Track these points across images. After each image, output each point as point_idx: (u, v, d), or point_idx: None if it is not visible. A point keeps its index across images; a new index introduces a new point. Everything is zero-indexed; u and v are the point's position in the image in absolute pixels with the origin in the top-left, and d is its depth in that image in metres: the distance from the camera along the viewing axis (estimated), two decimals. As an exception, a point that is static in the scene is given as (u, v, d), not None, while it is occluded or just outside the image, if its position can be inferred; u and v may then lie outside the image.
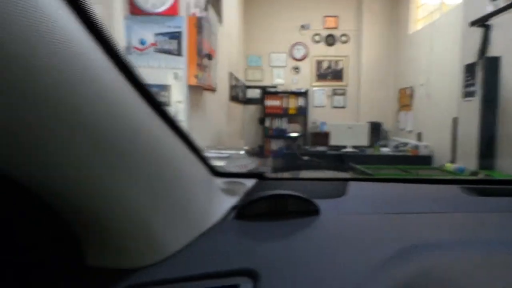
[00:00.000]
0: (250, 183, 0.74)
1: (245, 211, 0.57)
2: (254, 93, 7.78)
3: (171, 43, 2.84)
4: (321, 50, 7.81)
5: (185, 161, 0.51)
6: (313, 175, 1.04)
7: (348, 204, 0.65)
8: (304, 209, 0.58)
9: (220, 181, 0.67)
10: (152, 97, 0.41)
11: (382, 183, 0.79)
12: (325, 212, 0.58)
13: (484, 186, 0.76)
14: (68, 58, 0.29)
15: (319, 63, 7.84)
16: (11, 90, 0.26)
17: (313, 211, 0.58)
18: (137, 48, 2.79)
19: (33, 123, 0.28)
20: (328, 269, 0.42)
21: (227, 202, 0.61)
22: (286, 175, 0.99)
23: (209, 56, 3.31)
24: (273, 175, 0.85)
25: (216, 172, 0.67)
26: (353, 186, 0.73)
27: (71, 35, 0.30)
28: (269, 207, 0.57)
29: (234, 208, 0.60)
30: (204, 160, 0.59)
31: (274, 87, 7.72)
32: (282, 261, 0.44)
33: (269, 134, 7.51)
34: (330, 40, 7.79)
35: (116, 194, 0.37)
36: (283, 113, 7.46)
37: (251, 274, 0.41)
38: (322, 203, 0.60)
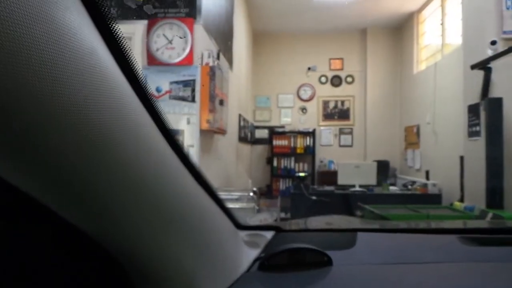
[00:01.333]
0: (269, 235, 0.82)
1: (267, 263, 0.65)
2: (262, 133, 7.93)
3: (185, 90, 3.00)
4: (327, 91, 8.02)
5: (217, 216, 0.58)
6: (325, 223, 1.11)
7: (358, 255, 0.72)
8: (319, 261, 0.65)
9: (243, 234, 0.75)
10: (184, 154, 0.46)
11: (388, 234, 0.87)
12: (337, 263, 0.66)
13: (480, 235, 0.83)
14: (131, 131, 0.33)
15: (325, 103, 8.03)
16: (91, 162, 0.29)
17: (327, 262, 0.66)
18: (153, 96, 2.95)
19: (106, 189, 0.33)
20: None
21: (251, 254, 0.68)
22: (300, 225, 1.07)
23: (221, 102, 3.46)
24: (290, 227, 0.93)
25: (238, 225, 0.75)
26: (362, 237, 0.81)
27: (130, 105, 0.33)
28: (288, 259, 0.65)
29: (256, 259, 0.68)
30: (228, 214, 0.67)
31: (282, 127, 7.87)
32: None
33: (277, 174, 7.57)
34: (336, 81, 8.02)
35: (165, 246, 0.44)
36: (290, 152, 7.55)
37: None
38: (334, 255, 0.67)
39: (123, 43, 0.32)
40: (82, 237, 0.40)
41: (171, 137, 0.42)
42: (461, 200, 4.52)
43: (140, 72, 0.36)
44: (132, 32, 2.86)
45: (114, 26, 0.31)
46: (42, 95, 0.23)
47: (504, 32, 3.67)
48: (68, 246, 0.44)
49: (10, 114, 0.23)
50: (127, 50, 0.33)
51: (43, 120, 0.24)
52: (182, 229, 0.45)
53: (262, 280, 0.60)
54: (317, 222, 1.09)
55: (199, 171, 0.51)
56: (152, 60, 2.88)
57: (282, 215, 5.16)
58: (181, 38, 2.87)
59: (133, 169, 0.34)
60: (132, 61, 0.34)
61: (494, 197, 3.61)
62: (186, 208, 0.46)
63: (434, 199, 5.19)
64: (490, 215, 3.46)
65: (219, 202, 0.60)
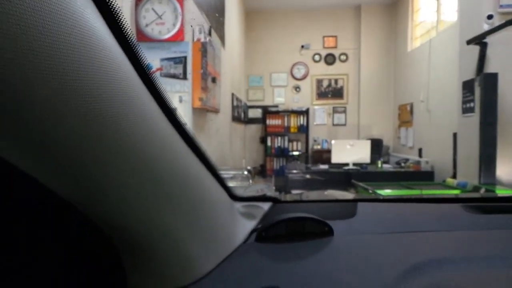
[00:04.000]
0: (266, 206, 0.78)
1: (264, 234, 0.61)
2: (256, 113, 7.88)
3: (176, 67, 2.92)
4: (321, 69, 7.95)
5: (211, 187, 0.55)
6: (323, 196, 1.09)
7: (359, 224, 0.69)
8: (319, 231, 0.62)
9: (239, 205, 0.72)
10: (183, 128, 0.45)
11: (389, 203, 0.84)
12: (338, 232, 0.63)
13: (484, 204, 0.81)
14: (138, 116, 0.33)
15: (319, 82, 7.97)
16: (91, 141, 0.29)
17: (328, 232, 0.63)
18: (143, 73, 2.88)
19: (101, 165, 0.32)
20: (344, 287, 0.47)
21: (247, 226, 0.65)
22: (297, 197, 1.04)
23: (214, 79, 3.39)
24: (287, 198, 0.90)
25: (234, 197, 0.72)
26: (362, 207, 0.78)
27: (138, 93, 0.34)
28: (287, 229, 0.62)
29: (253, 231, 0.64)
30: (224, 185, 0.63)
31: (275, 106, 7.83)
32: (302, 280, 0.48)
33: (270, 153, 7.56)
34: (329, 59, 7.93)
35: (160, 221, 0.41)
36: (284, 132, 7.54)
37: None
38: (335, 224, 0.64)
39: (121, 20, 0.34)
40: (68, 210, 0.38)
41: (165, 105, 0.41)
42: (454, 176, 4.55)
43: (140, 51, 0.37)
44: (119, 6, 2.76)
45: (117, 11, 0.33)
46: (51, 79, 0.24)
47: (501, 6, 3.61)
48: (57, 220, 0.42)
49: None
50: (125, 27, 0.34)
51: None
52: (174, 199, 0.43)
53: (259, 250, 0.57)
54: (314, 195, 1.07)
55: (193, 139, 0.49)
56: (141, 36, 2.79)
57: (276, 194, 5.17)
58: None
59: (125, 137, 0.33)
60: (130, 35, 0.35)
61: (487, 173, 3.63)
62: (179, 178, 0.43)
63: (427, 176, 5.23)
64: (482, 190, 3.48)
65: (214, 173, 0.57)
